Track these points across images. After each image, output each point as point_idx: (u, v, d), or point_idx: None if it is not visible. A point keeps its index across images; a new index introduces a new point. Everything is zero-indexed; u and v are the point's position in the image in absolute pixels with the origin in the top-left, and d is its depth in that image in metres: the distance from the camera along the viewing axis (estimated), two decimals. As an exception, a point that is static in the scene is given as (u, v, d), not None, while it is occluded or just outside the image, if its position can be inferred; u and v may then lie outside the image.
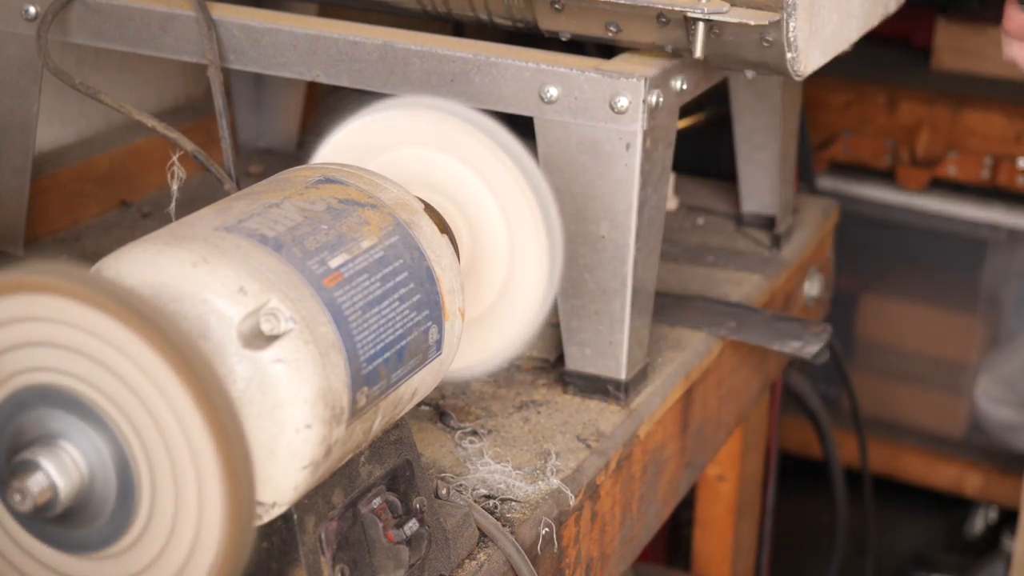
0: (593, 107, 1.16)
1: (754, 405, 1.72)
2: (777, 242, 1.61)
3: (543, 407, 1.22)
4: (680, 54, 1.20)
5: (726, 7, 1.14)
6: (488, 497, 1.08)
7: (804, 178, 1.88)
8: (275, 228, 0.85)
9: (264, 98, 1.75)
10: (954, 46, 2.58)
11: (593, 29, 1.21)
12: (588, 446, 1.17)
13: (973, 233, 2.45)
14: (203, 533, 0.74)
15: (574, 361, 1.23)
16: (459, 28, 1.60)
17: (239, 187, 1.10)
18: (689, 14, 1.14)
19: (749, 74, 1.22)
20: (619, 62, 1.19)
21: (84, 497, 0.75)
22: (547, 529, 1.07)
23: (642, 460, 1.24)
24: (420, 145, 1.07)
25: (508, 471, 1.12)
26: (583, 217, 1.18)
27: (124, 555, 0.76)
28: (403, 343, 0.89)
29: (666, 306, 1.40)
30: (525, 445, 1.16)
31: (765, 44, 1.16)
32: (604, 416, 1.21)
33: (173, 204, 1.16)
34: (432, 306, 0.92)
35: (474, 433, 1.17)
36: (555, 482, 1.11)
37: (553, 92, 1.16)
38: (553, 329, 1.24)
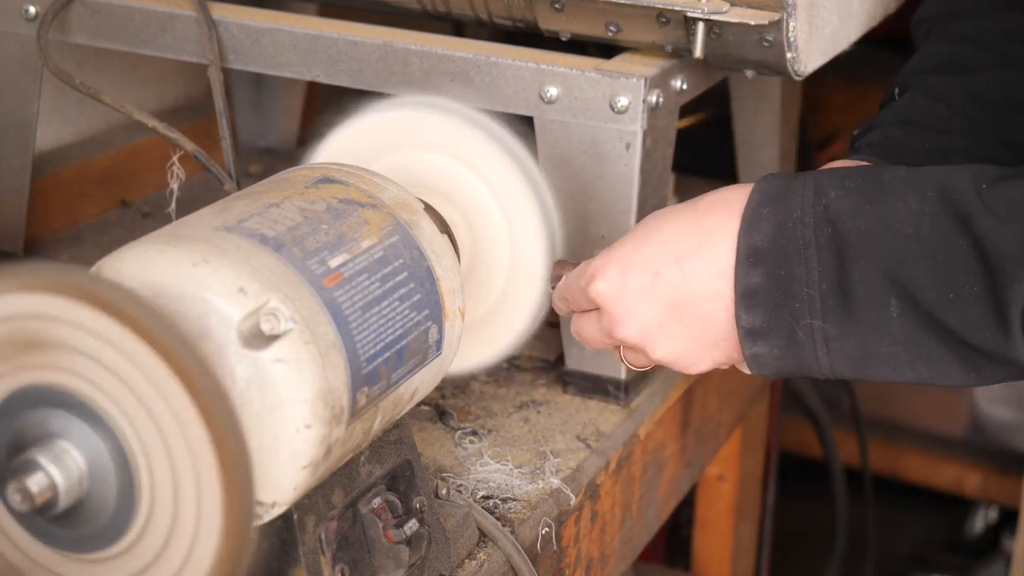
0: (593, 107, 1.16)
1: (754, 405, 1.72)
2: (777, 242, 1.61)
3: (543, 407, 1.22)
4: (680, 54, 1.20)
5: (726, 7, 1.13)
6: (488, 497, 1.08)
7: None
8: (275, 228, 0.85)
9: (264, 98, 1.75)
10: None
11: (593, 29, 1.21)
12: (588, 446, 1.17)
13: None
14: (202, 533, 0.74)
15: (574, 361, 1.23)
16: (459, 28, 1.60)
17: (239, 187, 1.10)
18: (689, 14, 1.14)
19: (749, 74, 1.22)
20: (619, 62, 1.19)
21: (84, 497, 0.75)
22: (547, 529, 1.07)
23: (642, 460, 1.24)
24: (420, 145, 1.07)
25: (508, 471, 1.12)
26: (583, 217, 1.18)
27: (124, 555, 0.76)
28: (403, 343, 0.89)
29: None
30: (525, 445, 1.16)
31: (765, 44, 1.16)
32: (604, 416, 1.21)
33: (173, 204, 1.16)
34: (432, 306, 0.92)
35: (474, 433, 1.17)
36: (555, 482, 1.11)
37: (553, 92, 1.16)
38: (553, 329, 1.24)
